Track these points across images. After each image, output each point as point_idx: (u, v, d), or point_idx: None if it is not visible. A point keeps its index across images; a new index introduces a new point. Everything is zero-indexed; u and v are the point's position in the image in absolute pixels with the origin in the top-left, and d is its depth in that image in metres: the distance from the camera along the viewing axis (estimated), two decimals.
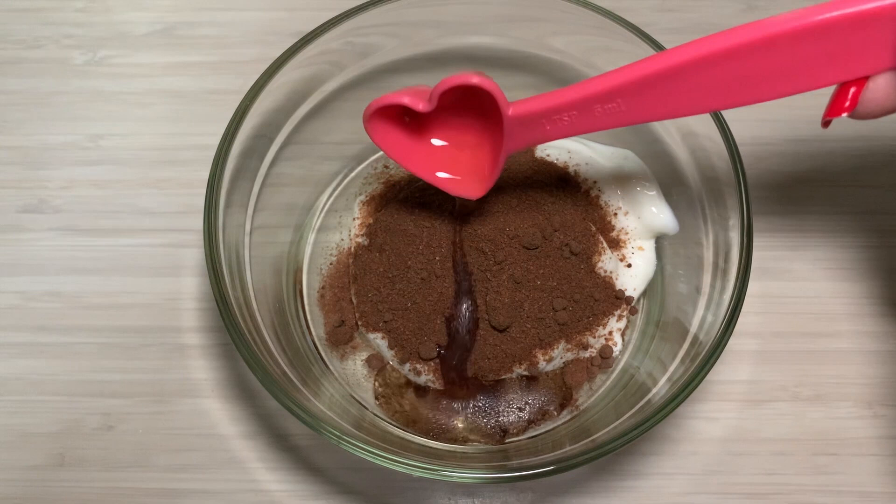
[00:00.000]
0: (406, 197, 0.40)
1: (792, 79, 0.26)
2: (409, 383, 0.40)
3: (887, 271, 0.45)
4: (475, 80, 0.30)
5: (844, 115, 0.27)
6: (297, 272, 0.44)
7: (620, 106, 0.29)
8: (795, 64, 0.26)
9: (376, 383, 0.40)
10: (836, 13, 0.24)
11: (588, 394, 0.40)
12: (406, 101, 0.31)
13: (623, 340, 0.41)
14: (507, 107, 0.31)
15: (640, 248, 0.41)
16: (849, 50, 0.25)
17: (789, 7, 0.26)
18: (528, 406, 0.39)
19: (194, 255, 0.46)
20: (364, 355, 0.41)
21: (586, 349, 0.39)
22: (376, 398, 0.40)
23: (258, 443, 0.41)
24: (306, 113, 0.42)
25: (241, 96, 0.37)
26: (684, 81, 0.27)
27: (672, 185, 0.41)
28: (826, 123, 0.29)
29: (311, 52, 0.38)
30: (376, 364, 0.40)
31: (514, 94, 0.33)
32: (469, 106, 0.32)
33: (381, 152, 0.47)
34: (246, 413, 0.42)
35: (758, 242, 0.35)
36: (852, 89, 0.26)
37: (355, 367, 0.41)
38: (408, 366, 0.39)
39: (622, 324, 0.40)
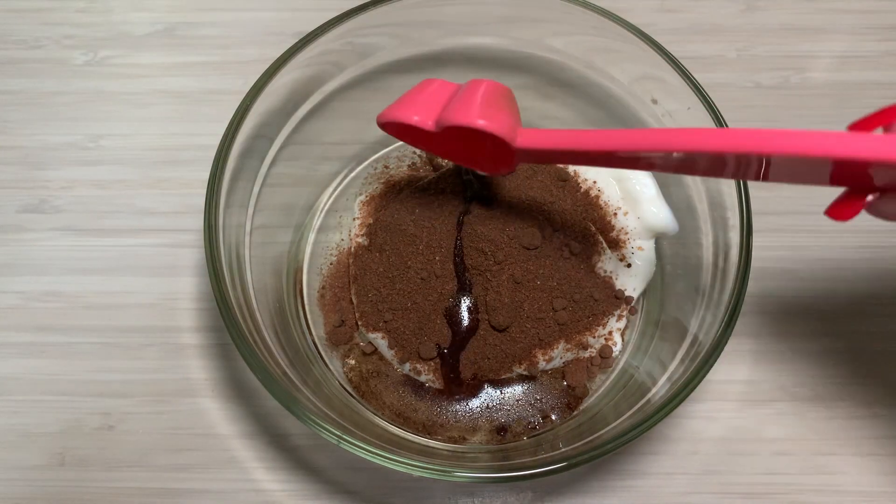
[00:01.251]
0: (406, 197, 0.40)
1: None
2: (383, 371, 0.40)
3: (887, 271, 0.45)
4: (480, 123, 0.30)
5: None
6: (297, 272, 0.44)
7: (631, 159, 0.29)
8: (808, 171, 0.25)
9: (346, 369, 0.40)
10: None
11: (588, 394, 0.40)
12: (415, 120, 0.32)
13: (623, 340, 0.41)
14: (513, 141, 0.31)
15: (640, 248, 0.41)
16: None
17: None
18: (527, 406, 0.39)
19: (194, 255, 0.46)
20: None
21: (586, 349, 0.39)
22: (357, 390, 0.40)
23: (257, 442, 0.41)
24: (306, 113, 0.42)
25: (242, 96, 0.37)
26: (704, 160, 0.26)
27: (672, 185, 0.41)
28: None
29: (312, 52, 0.38)
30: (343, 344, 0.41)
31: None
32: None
33: (381, 153, 0.47)
34: (245, 413, 0.42)
35: (757, 242, 0.35)
36: (868, 198, 0.25)
37: None
38: (408, 365, 0.39)
39: (622, 324, 0.40)
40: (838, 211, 0.26)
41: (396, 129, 0.34)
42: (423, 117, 0.32)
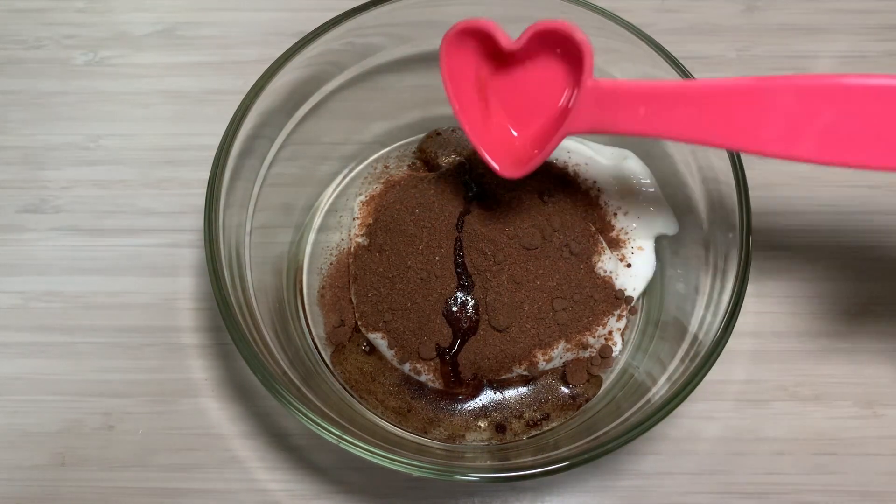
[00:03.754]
0: (406, 197, 0.40)
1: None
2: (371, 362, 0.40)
3: (887, 271, 0.45)
4: (579, 35, 0.28)
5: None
6: (297, 272, 0.44)
7: (703, 118, 0.27)
8: None
9: (345, 369, 0.40)
10: None
11: None
12: (491, 28, 0.30)
13: (623, 340, 0.41)
14: (589, 75, 0.28)
15: (640, 248, 0.41)
16: None
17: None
18: (527, 406, 0.39)
19: (194, 255, 0.46)
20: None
21: (586, 349, 0.39)
22: (357, 390, 0.40)
23: (258, 442, 0.41)
24: (306, 113, 0.42)
25: (242, 96, 0.37)
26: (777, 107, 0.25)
27: (672, 185, 0.41)
28: None
29: (312, 52, 0.38)
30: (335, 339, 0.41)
31: None
32: (546, 68, 0.30)
33: (381, 152, 0.47)
34: (246, 412, 0.42)
35: (757, 242, 0.35)
36: None
37: None
38: (408, 365, 0.39)
39: (622, 324, 0.40)
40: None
41: (460, 52, 0.31)
42: (498, 30, 0.29)
